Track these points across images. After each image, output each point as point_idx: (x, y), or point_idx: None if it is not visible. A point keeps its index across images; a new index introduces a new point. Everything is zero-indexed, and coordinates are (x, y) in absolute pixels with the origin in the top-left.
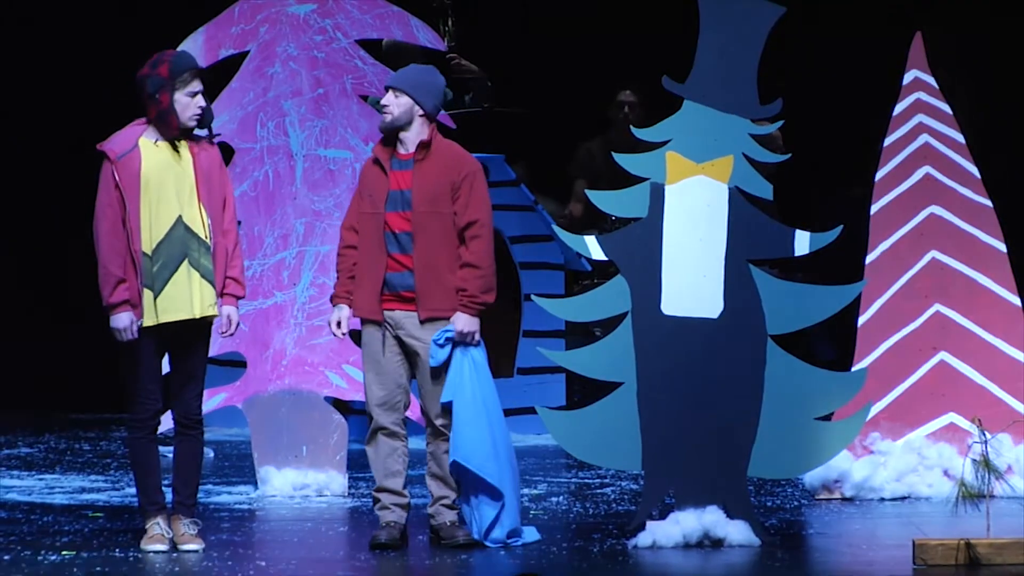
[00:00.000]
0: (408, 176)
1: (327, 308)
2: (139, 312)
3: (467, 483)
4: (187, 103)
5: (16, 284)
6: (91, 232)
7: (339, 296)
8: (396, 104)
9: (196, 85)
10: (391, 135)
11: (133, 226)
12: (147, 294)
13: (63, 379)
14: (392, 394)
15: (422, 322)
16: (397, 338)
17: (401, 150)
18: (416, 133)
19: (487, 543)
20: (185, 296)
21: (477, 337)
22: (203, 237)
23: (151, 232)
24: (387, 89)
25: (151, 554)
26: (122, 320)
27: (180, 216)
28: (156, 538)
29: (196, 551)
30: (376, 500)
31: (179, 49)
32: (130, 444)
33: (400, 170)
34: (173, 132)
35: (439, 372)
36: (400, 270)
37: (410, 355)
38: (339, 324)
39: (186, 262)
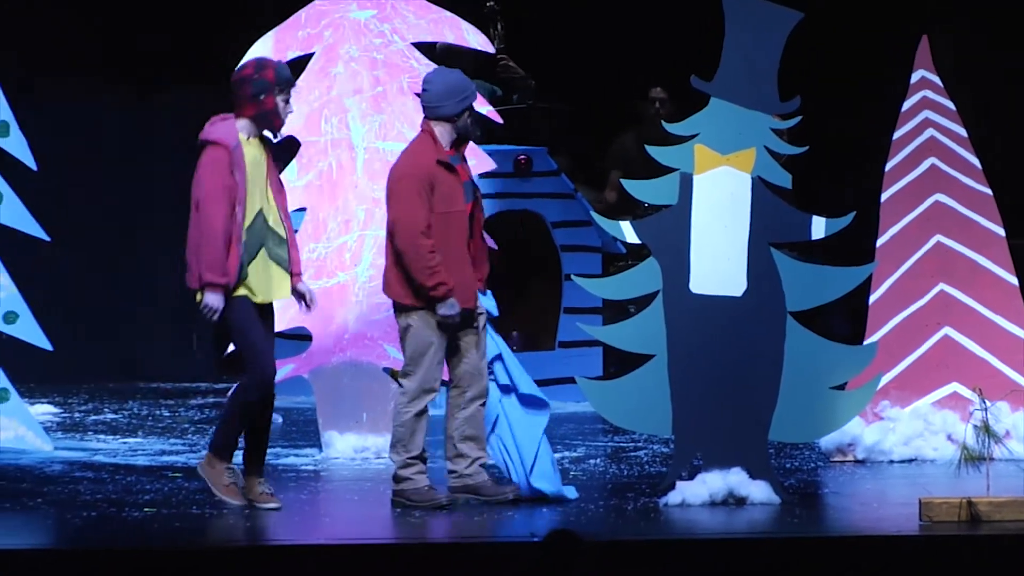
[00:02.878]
0: (464, 170)
1: None
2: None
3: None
4: (284, 108)
5: (100, 260)
6: (180, 211)
7: (451, 289)
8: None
9: (291, 94)
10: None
11: (243, 212)
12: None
13: (147, 349)
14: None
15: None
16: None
17: (445, 147)
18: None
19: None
20: (263, 282)
21: None
22: (276, 228)
23: (245, 221)
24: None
25: (226, 510)
26: (217, 300)
27: (261, 208)
28: (232, 489)
29: (277, 509)
30: (411, 464)
31: (252, 51)
32: (245, 407)
33: (459, 164)
34: (275, 131)
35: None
36: (472, 254)
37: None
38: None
39: (263, 251)
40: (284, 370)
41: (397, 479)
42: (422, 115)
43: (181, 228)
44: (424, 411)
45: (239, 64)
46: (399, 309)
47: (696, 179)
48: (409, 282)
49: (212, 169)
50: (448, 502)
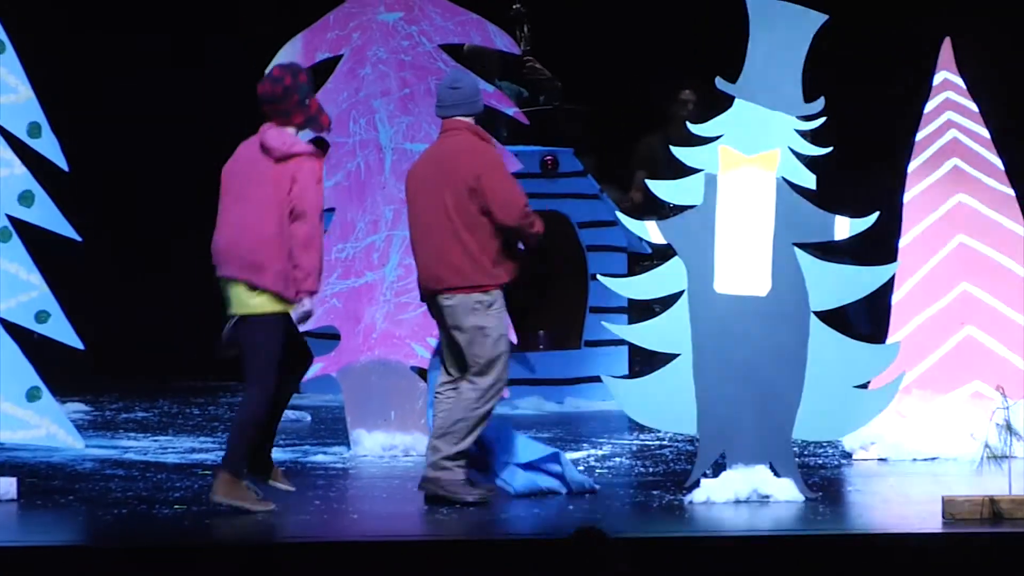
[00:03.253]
0: None
1: (413, 286)
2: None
3: None
4: None
5: (129, 256)
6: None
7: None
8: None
9: None
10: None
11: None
12: None
13: (176, 348)
14: None
15: None
16: None
17: None
18: None
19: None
20: None
21: None
22: None
23: None
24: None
25: (259, 512)
26: (314, 305)
27: None
28: (261, 499)
29: (291, 491)
30: (456, 458)
31: (281, 53)
32: (256, 421)
33: None
34: (323, 130)
35: None
36: None
37: None
38: None
39: None
40: (313, 369)
41: (437, 466)
42: (447, 116)
43: (208, 226)
44: (491, 412)
45: (267, 77)
46: (471, 307)
47: (721, 180)
48: (506, 255)
49: (316, 181)
50: (479, 499)
